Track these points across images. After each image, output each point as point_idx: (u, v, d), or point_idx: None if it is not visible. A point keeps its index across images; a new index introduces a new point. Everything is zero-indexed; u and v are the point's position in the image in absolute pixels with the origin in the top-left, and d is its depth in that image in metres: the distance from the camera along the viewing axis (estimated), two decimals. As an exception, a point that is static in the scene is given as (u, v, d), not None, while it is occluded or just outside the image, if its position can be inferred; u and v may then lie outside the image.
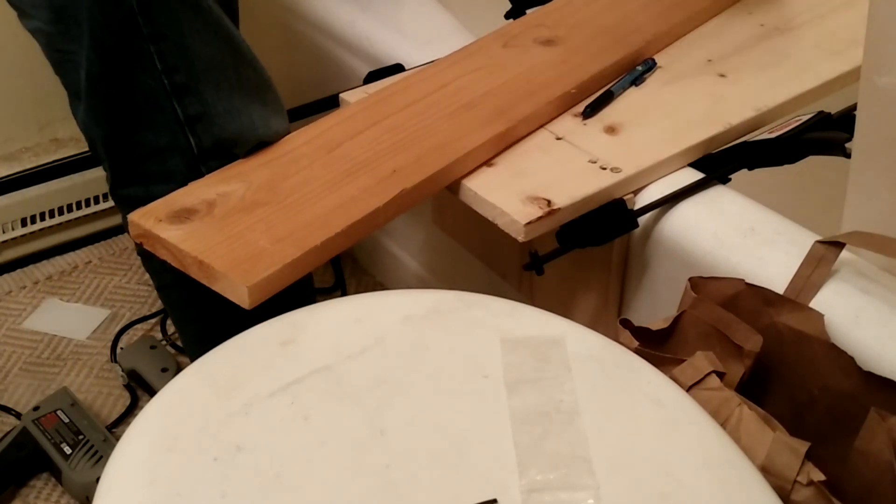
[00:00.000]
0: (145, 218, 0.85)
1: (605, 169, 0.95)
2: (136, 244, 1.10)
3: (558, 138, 1.00)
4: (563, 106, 1.04)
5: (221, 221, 0.84)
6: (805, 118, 1.00)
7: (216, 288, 0.80)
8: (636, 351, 0.77)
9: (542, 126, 1.01)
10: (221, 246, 0.81)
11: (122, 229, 1.60)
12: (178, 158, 0.96)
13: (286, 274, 0.80)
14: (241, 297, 0.78)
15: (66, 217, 1.54)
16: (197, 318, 1.08)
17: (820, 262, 0.82)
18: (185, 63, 0.93)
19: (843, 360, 0.76)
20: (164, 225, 0.84)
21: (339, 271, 1.48)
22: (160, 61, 0.92)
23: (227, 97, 0.96)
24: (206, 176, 0.91)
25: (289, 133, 1.03)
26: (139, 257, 1.10)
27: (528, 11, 1.25)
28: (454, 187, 0.94)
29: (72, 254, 1.56)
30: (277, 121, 0.99)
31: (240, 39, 0.98)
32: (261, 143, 0.98)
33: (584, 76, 1.06)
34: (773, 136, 0.99)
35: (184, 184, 0.92)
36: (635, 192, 0.96)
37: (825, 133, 0.98)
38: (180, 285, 1.05)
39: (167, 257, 0.83)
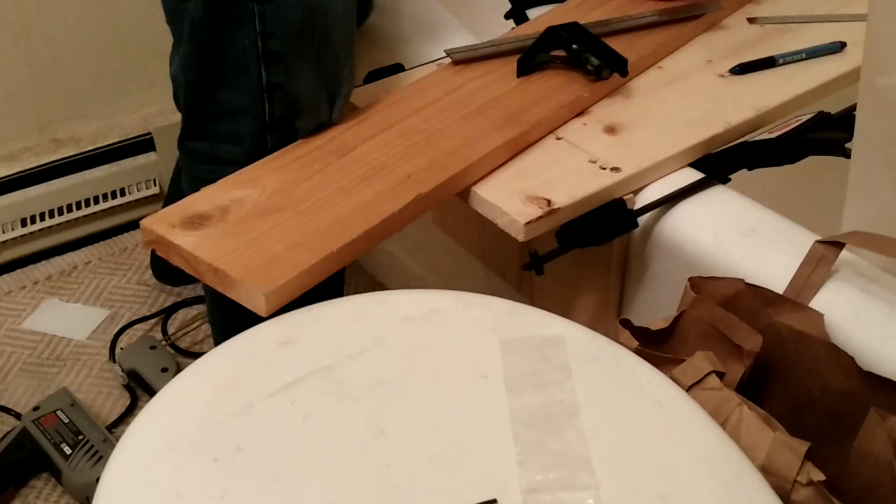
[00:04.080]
0: (158, 224, 0.84)
1: (604, 169, 0.95)
2: None
3: (558, 138, 1.00)
4: (575, 109, 1.03)
5: (236, 227, 0.84)
6: (805, 118, 1.00)
7: (232, 295, 0.80)
8: (636, 351, 0.77)
9: (553, 130, 1.01)
10: (237, 252, 0.81)
11: (122, 230, 1.60)
12: (250, 122, 0.97)
13: (303, 280, 0.80)
14: (258, 304, 0.77)
15: (66, 217, 1.54)
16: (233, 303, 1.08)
17: (820, 262, 0.82)
18: (282, 30, 0.94)
19: (843, 360, 0.76)
20: (178, 231, 0.83)
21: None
22: (260, 23, 0.93)
23: (305, 73, 0.96)
24: (219, 181, 0.90)
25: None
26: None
27: (529, 12, 1.25)
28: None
29: (71, 254, 1.56)
30: (337, 109, 1.00)
31: (333, 23, 0.97)
32: (321, 127, 0.98)
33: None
34: (773, 136, 0.99)
35: (249, 148, 0.93)
36: (635, 192, 0.96)
37: (825, 133, 0.98)
38: None
39: (181, 264, 0.83)
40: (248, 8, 0.93)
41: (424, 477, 0.61)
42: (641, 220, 0.95)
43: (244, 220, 0.85)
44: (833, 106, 1.03)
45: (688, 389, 0.75)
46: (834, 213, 0.86)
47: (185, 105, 1.01)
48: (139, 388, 1.33)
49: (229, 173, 0.92)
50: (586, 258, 0.97)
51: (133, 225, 1.60)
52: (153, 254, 1.48)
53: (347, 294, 1.43)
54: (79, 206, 1.55)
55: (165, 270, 1.47)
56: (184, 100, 1.00)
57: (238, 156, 0.95)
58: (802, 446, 0.70)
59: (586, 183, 0.93)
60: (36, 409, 1.23)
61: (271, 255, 0.81)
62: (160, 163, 1.59)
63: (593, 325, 0.85)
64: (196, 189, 0.91)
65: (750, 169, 0.98)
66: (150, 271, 1.51)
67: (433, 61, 1.12)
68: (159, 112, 1.60)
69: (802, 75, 1.10)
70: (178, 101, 1.02)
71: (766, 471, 0.69)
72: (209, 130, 1.00)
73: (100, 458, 1.18)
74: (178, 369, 1.32)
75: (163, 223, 0.84)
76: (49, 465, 1.20)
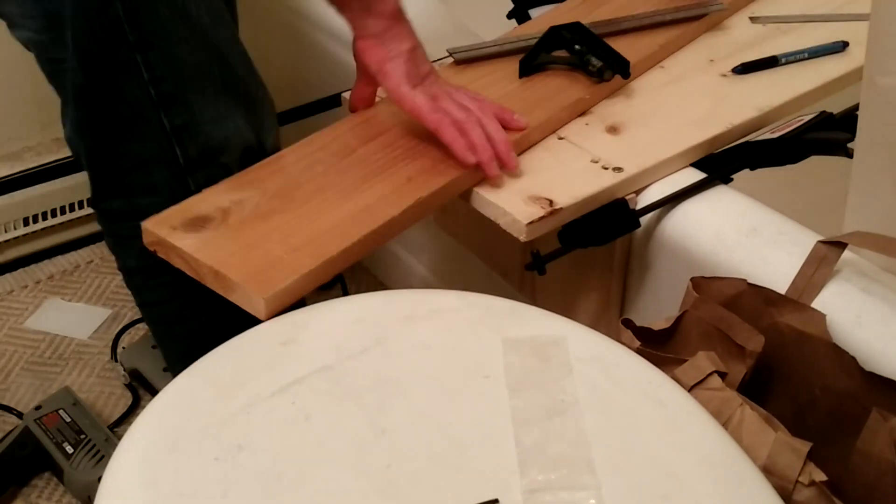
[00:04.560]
0: (159, 226, 0.84)
1: (607, 169, 0.95)
2: (118, 264, 1.08)
3: (560, 138, 1.00)
4: (576, 111, 1.03)
5: (237, 230, 0.84)
6: (807, 118, 1.00)
7: (232, 298, 0.80)
8: (638, 351, 0.77)
9: (555, 131, 1.01)
10: (237, 255, 0.81)
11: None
12: (163, 170, 0.95)
13: (302, 284, 0.80)
14: (258, 308, 0.78)
15: (68, 216, 1.54)
16: (182, 335, 1.07)
17: (822, 263, 0.82)
18: (173, 72, 0.92)
19: (845, 361, 0.76)
20: (179, 233, 0.83)
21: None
22: (147, 71, 0.91)
23: (212, 103, 0.95)
24: (221, 182, 0.90)
25: (278, 144, 1.01)
26: (120, 273, 1.09)
27: (531, 12, 1.25)
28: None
29: (73, 253, 1.56)
30: (266, 129, 0.99)
31: (229, 48, 0.96)
32: (248, 152, 0.97)
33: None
34: (775, 136, 0.99)
35: (169, 196, 0.90)
36: (637, 192, 0.96)
37: (827, 133, 0.98)
38: (163, 302, 1.04)
39: (182, 266, 0.83)
40: (130, 58, 0.90)
41: (425, 477, 0.61)
42: (643, 220, 0.94)
43: (245, 223, 0.85)
44: (835, 106, 1.02)
45: (689, 390, 0.75)
46: (836, 214, 0.86)
47: (91, 167, 0.98)
48: (141, 388, 1.33)
49: None
50: (588, 258, 0.97)
51: (135, 224, 1.60)
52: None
53: (349, 294, 1.43)
54: (80, 206, 1.55)
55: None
56: (88, 163, 0.98)
57: (158, 206, 0.90)
58: (804, 446, 0.70)
59: (588, 183, 0.93)
60: (38, 408, 1.23)
61: (271, 259, 0.81)
62: (162, 162, 1.58)
63: (595, 325, 0.85)
64: (122, 249, 0.89)
65: (752, 169, 0.98)
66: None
67: (435, 61, 1.12)
68: (161, 111, 1.59)
69: (804, 75, 1.10)
70: (82, 164, 0.99)
71: (767, 471, 0.69)
72: (122, 186, 0.97)
73: (102, 457, 1.18)
74: (180, 369, 1.32)
75: (164, 225, 0.84)
76: (51, 465, 1.20)
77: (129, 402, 1.32)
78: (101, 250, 1.57)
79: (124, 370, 1.33)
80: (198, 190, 0.93)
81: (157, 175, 0.95)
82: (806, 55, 1.12)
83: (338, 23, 0.96)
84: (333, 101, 1.12)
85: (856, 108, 0.89)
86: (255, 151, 0.97)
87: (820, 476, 0.69)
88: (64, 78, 0.94)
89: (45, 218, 1.53)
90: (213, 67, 0.94)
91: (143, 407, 0.83)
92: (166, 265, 0.84)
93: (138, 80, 0.91)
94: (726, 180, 0.97)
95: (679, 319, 0.82)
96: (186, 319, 1.04)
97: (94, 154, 0.97)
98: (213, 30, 0.94)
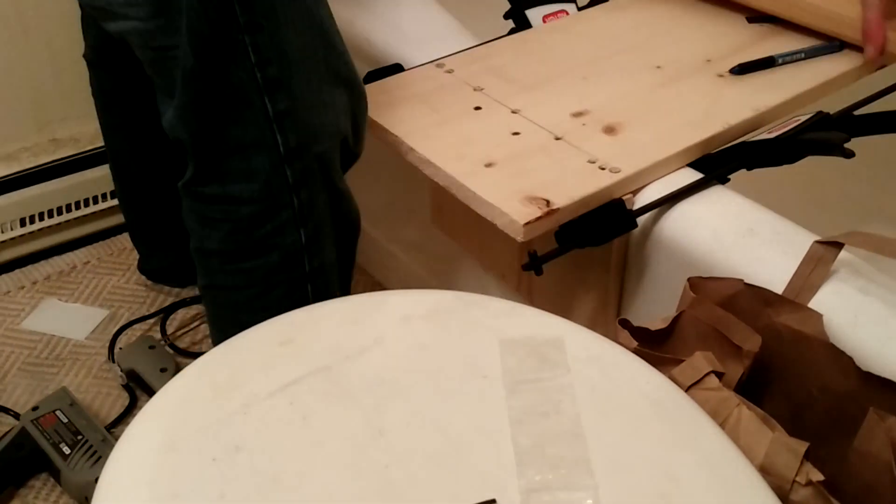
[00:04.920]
0: None
1: (604, 169, 0.95)
2: (192, 244, 1.04)
3: (557, 138, 1.00)
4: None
5: None
6: (804, 118, 1.00)
7: None
8: (635, 351, 0.77)
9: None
10: None
11: (121, 230, 1.60)
12: (263, 157, 0.94)
13: None
14: None
15: (65, 217, 1.54)
16: (247, 324, 1.06)
17: (819, 263, 0.82)
18: (279, 55, 0.91)
19: (842, 361, 0.76)
20: None
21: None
22: (254, 53, 0.90)
23: (315, 90, 0.94)
24: None
25: (364, 129, 1.00)
26: (196, 255, 1.04)
27: (528, 12, 1.25)
28: (454, 188, 0.94)
29: (70, 254, 1.56)
30: (360, 113, 0.98)
31: (329, 25, 0.95)
32: (344, 144, 0.96)
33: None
34: (771, 136, 0.99)
35: (264, 184, 0.88)
36: (634, 193, 0.96)
37: (824, 133, 0.98)
38: (237, 289, 1.02)
39: None
40: (238, 40, 0.90)
41: (423, 477, 0.61)
42: (640, 220, 0.95)
43: None
44: (832, 106, 1.03)
45: (687, 390, 0.75)
46: (833, 213, 0.86)
47: (196, 153, 0.97)
48: (138, 388, 1.33)
49: (245, 213, 0.88)
50: (585, 258, 0.97)
51: (132, 225, 1.59)
52: (141, 257, 1.48)
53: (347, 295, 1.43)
54: (77, 206, 1.55)
55: (156, 272, 1.47)
56: (193, 149, 0.96)
57: (253, 193, 0.90)
58: (801, 446, 0.70)
59: (585, 183, 0.93)
60: (35, 409, 1.23)
61: None
62: (159, 163, 1.58)
63: (592, 325, 0.85)
64: (205, 229, 0.87)
65: (749, 169, 0.98)
66: (148, 271, 1.51)
67: (433, 61, 1.12)
68: (158, 112, 1.59)
69: (801, 75, 1.10)
70: (184, 151, 0.98)
71: (764, 471, 0.69)
72: (219, 171, 0.96)
73: (99, 458, 1.18)
74: (177, 369, 1.32)
75: None
76: (48, 466, 1.20)
77: (127, 402, 1.32)
78: (98, 251, 1.57)
79: (121, 371, 1.33)
80: (294, 181, 0.92)
81: (255, 161, 0.94)
82: (803, 55, 1.12)
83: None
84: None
85: (852, 107, 0.89)
86: (349, 144, 0.97)
87: (817, 476, 0.69)
88: (168, 65, 0.93)
89: (41, 218, 1.52)
90: (317, 49, 0.93)
91: (141, 407, 0.83)
92: (249, 252, 0.81)
93: (245, 63, 0.91)
94: (723, 180, 0.97)
95: (676, 320, 0.83)
96: (256, 310, 1.02)
97: (198, 140, 0.95)
98: (316, 8, 0.93)
